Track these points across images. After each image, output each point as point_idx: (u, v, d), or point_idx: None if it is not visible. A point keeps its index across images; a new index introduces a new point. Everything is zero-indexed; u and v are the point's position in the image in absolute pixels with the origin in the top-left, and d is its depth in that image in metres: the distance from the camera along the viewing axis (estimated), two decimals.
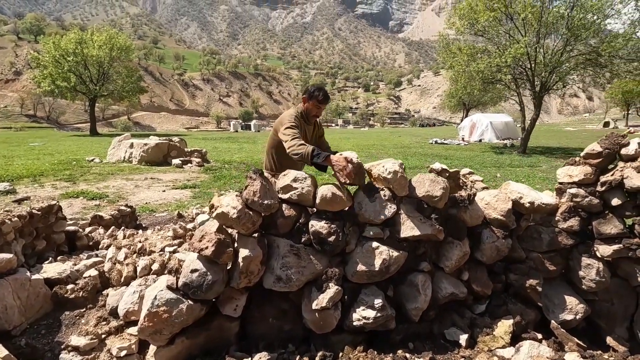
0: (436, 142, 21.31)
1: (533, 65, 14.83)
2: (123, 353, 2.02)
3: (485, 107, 49.96)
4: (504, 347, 2.04)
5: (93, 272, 2.55)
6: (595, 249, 2.23)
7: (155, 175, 8.43)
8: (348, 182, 2.03)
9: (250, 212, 1.95)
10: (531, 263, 2.35)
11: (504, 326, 2.13)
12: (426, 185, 2.12)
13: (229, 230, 2.10)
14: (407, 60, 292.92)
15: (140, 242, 3.64)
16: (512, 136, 22.64)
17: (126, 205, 4.59)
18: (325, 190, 1.98)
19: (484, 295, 2.30)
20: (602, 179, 2.14)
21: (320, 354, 1.92)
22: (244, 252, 1.94)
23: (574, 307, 2.29)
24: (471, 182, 3.62)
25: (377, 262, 1.99)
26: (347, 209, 2.11)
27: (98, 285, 2.56)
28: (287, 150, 2.31)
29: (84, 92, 27.71)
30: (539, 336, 2.18)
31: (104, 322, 2.25)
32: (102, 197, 6.06)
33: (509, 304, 2.32)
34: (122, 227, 3.92)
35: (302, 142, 2.27)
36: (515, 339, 2.13)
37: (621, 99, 44.79)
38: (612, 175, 2.11)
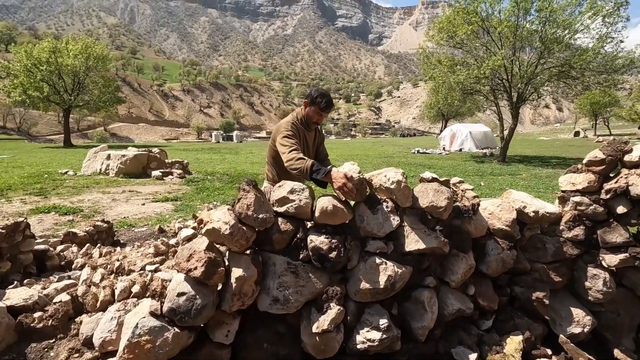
0: (418, 151, 21.59)
1: (510, 77, 15.33)
2: None
3: (463, 117, 51.49)
4: None
5: (65, 296, 2.29)
6: (600, 258, 2.17)
7: (134, 187, 8.06)
8: (349, 199, 1.90)
9: (244, 228, 1.78)
10: (536, 274, 2.27)
11: (514, 343, 2.02)
12: (430, 195, 2.01)
13: (219, 247, 1.92)
14: (386, 72, 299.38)
15: (118, 260, 3.38)
16: (491, 145, 23.25)
17: (102, 221, 4.29)
18: (325, 203, 1.84)
19: (490, 310, 2.19)
20: (607, 186, 2.09)
21: None
22: (236, 272, 1.76)
23: (581, 320, 2.21)
24: (462, 190, 3.57)
25: (382, 279, 1.85)
26: (347, 222, 1.97)
27: (70, 312, 2.29)
28: (285, 164, 2.16)
29: (57, 102, 26.67)
30: (549, 352, 2.09)
31: (77, 355, 2.00)
32: (76, 211, 5.69)
33: (516, 318, 2.22)
34: (98, 245, 3.63)
35: (301, 155, 2.12)
36: (525, 356, 2.03)
37: (589, 109, 47.09)
38: (616, 182, 2.07)
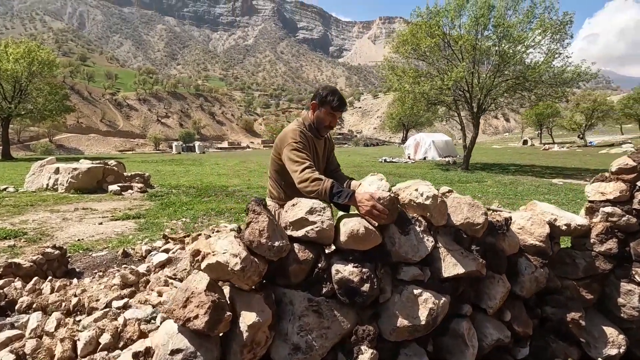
0: (385, 160, 21.89)
1: (470, 88, 16.02)
2: None
3: (422, 127, 53.64)
4: None
5: (7, 357, 1.75)
6: (634, 272, 2.04)
7: (89, 204, 7.21)
8: (380, 222, 1.58)
9: (256, 260, 1.41)
10: (567, 292, 2.09)
11: None
12: (464, 210, 1.76)
13: (220, 283, 1.53)
14: (347, 84, 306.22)
15: (75, 295, 2.82)
16: (452, 154, 24.15)
17: (54, 247, 3.63)
18: (355, 225, 1.51)
19: (525, 335, 1.97)
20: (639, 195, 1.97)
21: None
22: (248, 317, 1.38)
23: (615, 340, 2.05)
24: None
25: (423, 314, 1.56)
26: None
27: None
28: (298, 185, 1.80)
29: None
30: None
31: None
32: (18, 235, 4.89)
33: (551, 343, 2.01)
34: (49, 277, 3.02)
35: (316, 174, 1.77)
36: None
37: (534, 120, 50.96)
38: None
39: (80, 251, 4.32)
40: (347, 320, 1.55)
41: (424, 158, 23.86)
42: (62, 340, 1.79)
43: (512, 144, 57.01)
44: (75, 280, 3.08)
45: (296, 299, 1.52)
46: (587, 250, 2.08)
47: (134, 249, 4.18)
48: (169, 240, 4.13)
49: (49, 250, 3.44)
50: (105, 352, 1.74)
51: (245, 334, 1.38)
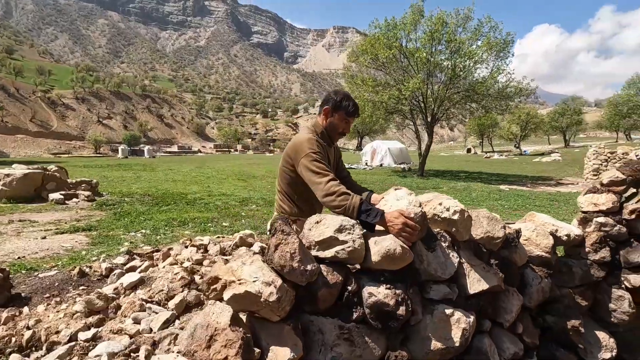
0: None
1: (425, 99, 16.83)
2: None
3: (376, 134, 55.47)
4: None
5: None
6: (623, 279, 2.16)
7: (26, 215, 6.36)
8: (411, 241, 1.49)
9: (290, 288, 1.25)
10: (565, 301, 2.16)
11: None
12: (484, 224, 1.74)
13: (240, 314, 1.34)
14: (302, 90, 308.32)
15: (28, 327, 2.41)
16: (406, 161, 25.16)
17: None
18: (391, 244, 1.40)
19: (533, 346, 1.99)
20: (630, 206, 2.10)
21: None
22: (281, 354, 1.21)
23: (608, 344, 2.16)
24: None
25: (456, 334, 1.49)
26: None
27: None
28: (322, 200, 1.65)
29: None
30: None
31: None
32: None
33: (554, 352, 2.06)
34: None
35: (343, 188, 1.63)
36: None
37: (477, 129, 54.98)
38: (637, 202, 2.09)
39: (23, 271, 3.75)
40: (378, 347, 1.43)
41: (381, 165, 24.59)
42: None
43: (458, 151, 60.88)
44: (25, 309, 2.62)
45: (326, 327, 1.38)
46: (582, 259, 2.17)
47: (91, 267, 3.71)
48: (135, 256, 3.71)
49: None
50: None
51: None
